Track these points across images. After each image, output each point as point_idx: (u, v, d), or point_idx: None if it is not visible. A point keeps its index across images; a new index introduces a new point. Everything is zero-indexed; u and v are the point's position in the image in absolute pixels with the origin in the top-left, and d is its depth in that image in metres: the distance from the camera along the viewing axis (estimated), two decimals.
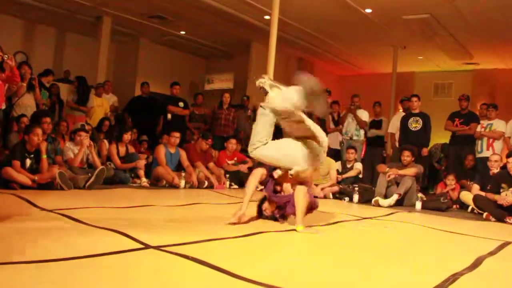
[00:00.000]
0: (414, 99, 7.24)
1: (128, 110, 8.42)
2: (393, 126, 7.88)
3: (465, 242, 3.39)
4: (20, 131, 5.48)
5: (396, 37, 10.10)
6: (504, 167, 5.46)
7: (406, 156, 5.93)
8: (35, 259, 1.87)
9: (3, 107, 5.49)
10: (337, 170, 6.66)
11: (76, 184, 4.89)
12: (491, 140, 6.71)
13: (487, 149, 6.66)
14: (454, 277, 2.09)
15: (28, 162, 4.67)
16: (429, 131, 7.13)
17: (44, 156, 4.74)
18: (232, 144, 7.14)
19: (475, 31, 9.00)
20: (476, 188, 5.57)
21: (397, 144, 7.56)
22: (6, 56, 4.93)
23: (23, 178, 4.45)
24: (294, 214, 3.20)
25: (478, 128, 6.88)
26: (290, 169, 3.24)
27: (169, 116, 7.92)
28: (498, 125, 6.72)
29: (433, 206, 5.57)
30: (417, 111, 7.20)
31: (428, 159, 7.49)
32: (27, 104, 6.17)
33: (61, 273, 1.75)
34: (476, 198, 5.24)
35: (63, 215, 3.03)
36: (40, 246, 2.13)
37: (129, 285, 1.66)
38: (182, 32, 11.21)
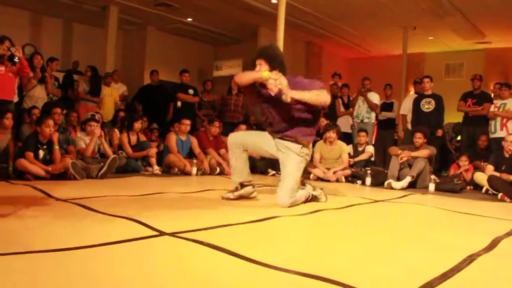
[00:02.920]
0: (426, 80, 7.15)
1: (138, 98, 8.44)
2: (405, 107, 7.81)
3: (481, 223, 3.36)
4: (32, 123, 5.52)
5: (406, 18, 9.95)
6: None
7: (418, 138, 5.88)
8: (52, 248, 1.88)
9: (16, 100, 5.53)
10: (349, 154, 6.63)
11: (88, 173, 4.93)
12: (504, 120, 6.63)
13: (501, 129, 6.58)
14: (471, 258, 2.07)
15: (41, 153, 4.71)
16: (442, 112, 7.05)
17: (57, 147, 4.77)
18: (242, 129, 7.12)
19: (487, 9, 8.83)
20: (490, 168, 5.52)
21: (409, 126, 7.49)
22: (14, 48, 4.97)
23: (37, 169, 4.49)
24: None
25: (492, 108, 6.78)
26: None
27: (179, 103, 7.93)
28: None
29: (447, 187, 5.53)
30: (429, 92, 7.12)
31: (440, 141, 7.41)
32: (38, 96, 6.22)
33: (78, 261, 1.76)
34: (490, 179, 5.18)
35: (77, 204, 3.05)
36: (56, 235, 2.14)
37: (145, 272, 1.67)
38: (189, 19, 11.16)
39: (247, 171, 3.71)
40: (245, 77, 3.38)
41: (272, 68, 3.29)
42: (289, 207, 3.31)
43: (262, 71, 3.26)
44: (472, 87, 7.22)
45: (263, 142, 3.60)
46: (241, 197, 3.70)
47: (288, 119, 3.42)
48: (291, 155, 3.44)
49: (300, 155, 3.45)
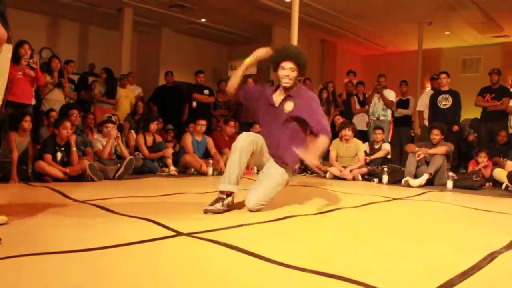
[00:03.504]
0: (443, 76, 7.05)
1: (153, 99, 8.50)
2: (422, 103, 7.72)
3: (501, 220, 3.30)
4: (50, 125, 5.59)
5: (421, 13, 9.84)
6: None
7: (436, 134, 5.80)
8: (70, 249, 1.90)
9: (33, 102, 5.62)
10: (365, 152, 6.58)
11: (106, 175, 4.98)
12: None
13: None
14: (492, 256, 2.04)
15: (59, 155, 4.77)
16: (459, 109, 6.95)
17: (74, 149, 4.83)
18: (256, 129, 7.11)
19: (504, 1, 8.67)
20: (510, 164, 5.42)
21: (426, 123, 7.40)
22: (31, 60, 5.11)
23: (55, 171, 4.56)
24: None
25: (511, 103, 6.67)
26: None
27: (194, 104, 7.96)
28: None
29: (465, 184, 5.44)
30: (446, 88, 7.02)
31: (458, 137, 7.31)
32: (56, 99, 6.29)
33: (95, 262, 1.78)
34: (510, 175, 5.10)
35: (95, 205, 3.08)
36: (73, 236, 2.17)
37: (163, 272, 1.68)
38: (203, 20, 11.20)
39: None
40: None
41: (299, 75, 3.19)
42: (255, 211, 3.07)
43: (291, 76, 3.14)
44: (490, 81, 7.10)
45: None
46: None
47: (281, 136, 3.17)
48: (275, 174, 3.19)
49: (280, 181, 3.19)
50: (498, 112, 6.86)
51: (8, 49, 2.28)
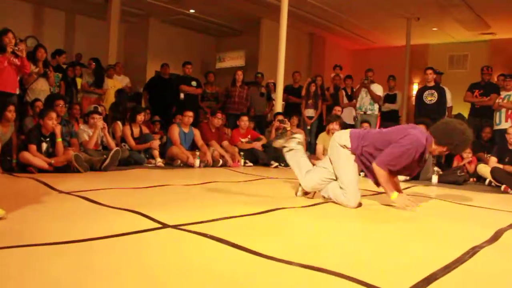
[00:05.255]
0: (429, 71, 7.11)
1: (147, 89, 8.48)
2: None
3: (484, 215, 3.35)
4: (35, 116, 5.52)
5: (410, 9, 9.89)
6: None
7: None
8: (56, 241, 1.89)
9: (17, 92, 5.53)
10: None
11: (91, 166, 4.93)
12: (509, 112, 6.58)
13: (506, 121, 6.52)
14: (474, 250, 2.08)
15: (44, 145, 4.72)
16: (444, 104, 7.02)
17: (60, 139, 4.77)
18: (244, 121, 7.11)
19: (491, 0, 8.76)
20: (493, 160, 5.49)
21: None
22: (17, 48, 4.99)
23: (40, 161, 4.50)
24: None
25: (497, 100, 6.75)
26: None
27: (181, 95, 7.92)
28: None
29: (450, 179, 5.51)
30: (432, 84, 7.08)
31: None
32: (41, 88, 6.20)
33: (81, 254, 1.77)
34: (494, 171, 5.17)
35: (80, 196, 3.06)
36: (59, 228, 2.15)
37: (148, 264, 1.68)
38: (192, 11, 11.12)
39: None
40: None
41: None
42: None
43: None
44: (481, 78, 7.19)
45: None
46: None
47: None
48: None
49: None
50: (487, 108, 6.96)
51: None
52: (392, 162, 3.12)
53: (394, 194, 3.19)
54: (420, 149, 3.09)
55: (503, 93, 6.74)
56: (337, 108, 7.76)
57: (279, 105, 7.90)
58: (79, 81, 7.48)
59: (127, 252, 1.82)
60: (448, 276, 1.69)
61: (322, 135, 6.49)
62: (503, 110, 6.64)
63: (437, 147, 3.14)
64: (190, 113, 6.43)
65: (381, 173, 3.16)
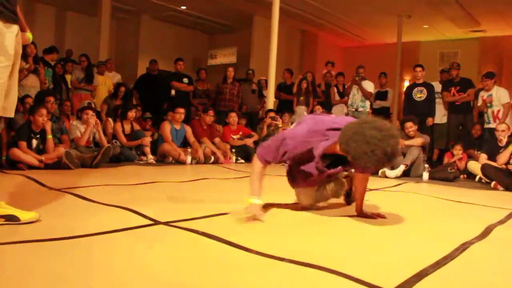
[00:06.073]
0: (418, 69, 7.16)
1: (137, 87, 8.44)
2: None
3: (474, 211, 3.38)
4: (25, 112, 5.47)
5: (401, 6, 9.92)
6: None
7: (409, 127, 5.86)
8: (45, 237, 1.88)
9: None
10: None
11: (82, 163, 4.90)
12: (496, 112, 6.61)
13: (494, 121, 6.53)
14: (464, 246, 2.09)
15: (34, 142, 4.68)
16: (433, 101, 7.06)
17: (50, 136, 4.74)
18: (232, 117, 7.11)
19: None
20: (483, 157, 5.54)
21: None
22: None
23: (30, 158, 4.47)
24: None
25: (480, 101, 6.80)
26: None
27: (173, 92, 7.89)
28: (501, 95, 6.57)
29: (440, 176, 5.55)
30: (421, 81, 7.14)
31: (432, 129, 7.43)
32: (31, 85, 6.15)
33: (71, 251, 1.76)
34: (484, 168, 5.21)
35: (71, 193, 3.04)
36: (49, 225, 2.14)
37: (139, 261, 1.67)
38: (183, 7, 11.07)
39: None
40: None
41: None
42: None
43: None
44: (451, 75, 7.26)
45: None
46: None
47: None
48: None
49: None
50: (467, 103, 7.02)
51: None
52: (269, 153, 2.59)
53: (252, 199, 2.56)
54: (306, 145, 2.49)
55: (485, 94, 6.71)
56: (318, 107, 7.85)
57: (271, 102, 7.90)
58: (68, 77, 7.45)
59: (118, 249, 1.81)
60: (438, 271, 1.71)
61: None
62: (490, 111, 6.66)
63: (340, 148, 2.31)
64: (182, 110, 6.42)
65: (255, 165, 2.65)
